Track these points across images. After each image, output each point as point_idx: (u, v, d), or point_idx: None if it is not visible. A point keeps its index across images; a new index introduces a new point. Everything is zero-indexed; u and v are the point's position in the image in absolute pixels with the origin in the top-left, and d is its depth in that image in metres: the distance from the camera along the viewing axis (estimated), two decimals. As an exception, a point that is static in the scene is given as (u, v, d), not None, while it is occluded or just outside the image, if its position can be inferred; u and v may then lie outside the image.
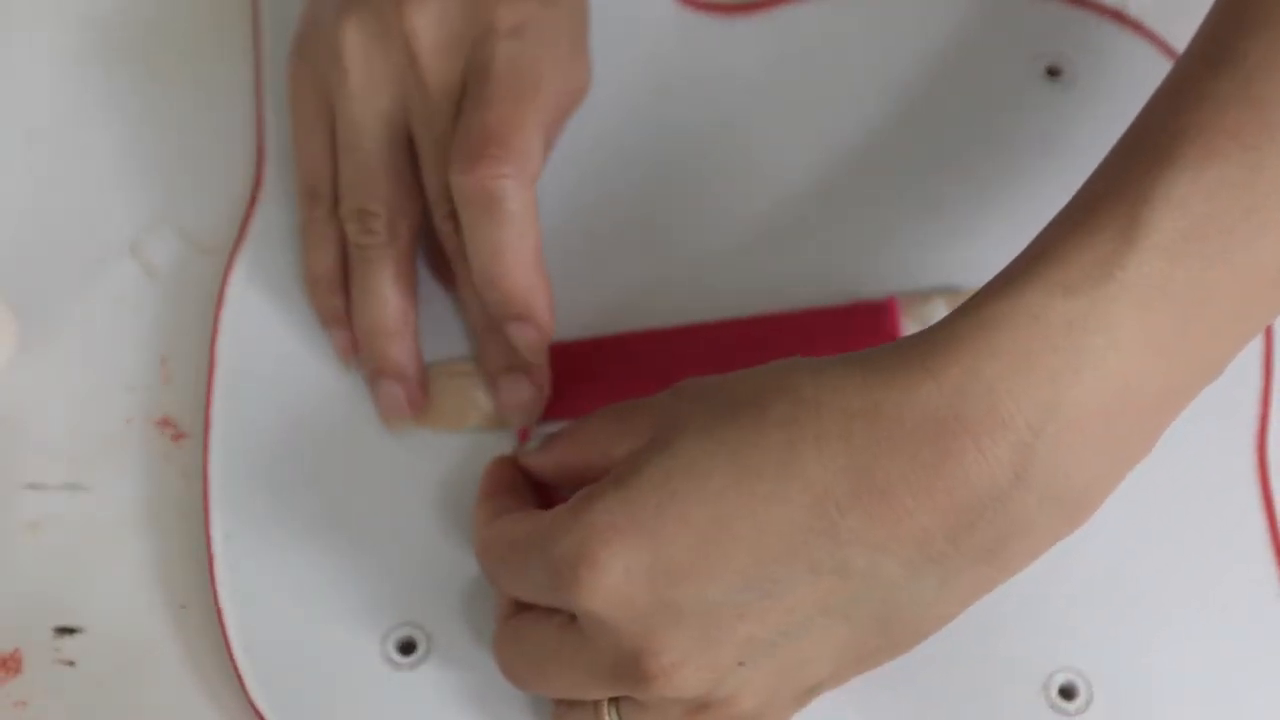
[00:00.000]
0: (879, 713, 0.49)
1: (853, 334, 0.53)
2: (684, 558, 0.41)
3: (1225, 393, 0.51)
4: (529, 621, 0.46)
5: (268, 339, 0.54)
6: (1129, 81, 0.57)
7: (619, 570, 0.41)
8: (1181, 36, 0.58)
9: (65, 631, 0.52)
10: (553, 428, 0.52)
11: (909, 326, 0.52)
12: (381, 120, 0.52)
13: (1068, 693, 0.49)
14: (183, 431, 0.54)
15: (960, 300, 0.51)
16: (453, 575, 0.51)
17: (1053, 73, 0.58)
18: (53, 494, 0.53)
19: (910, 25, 0.58)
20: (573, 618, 0.44)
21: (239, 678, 0.50)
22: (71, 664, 0.51)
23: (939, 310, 0.52)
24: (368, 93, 0.52)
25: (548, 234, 0.51)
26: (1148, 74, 0.58)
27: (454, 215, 0.51)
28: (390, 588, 0.51)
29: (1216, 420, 0.52)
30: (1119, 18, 0.58)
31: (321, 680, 0.50)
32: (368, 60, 0.51)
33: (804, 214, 0.56)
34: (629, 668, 0.42)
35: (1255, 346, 0.53)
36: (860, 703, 0.49)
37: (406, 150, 0.52)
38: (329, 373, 0.54)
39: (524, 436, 0.52)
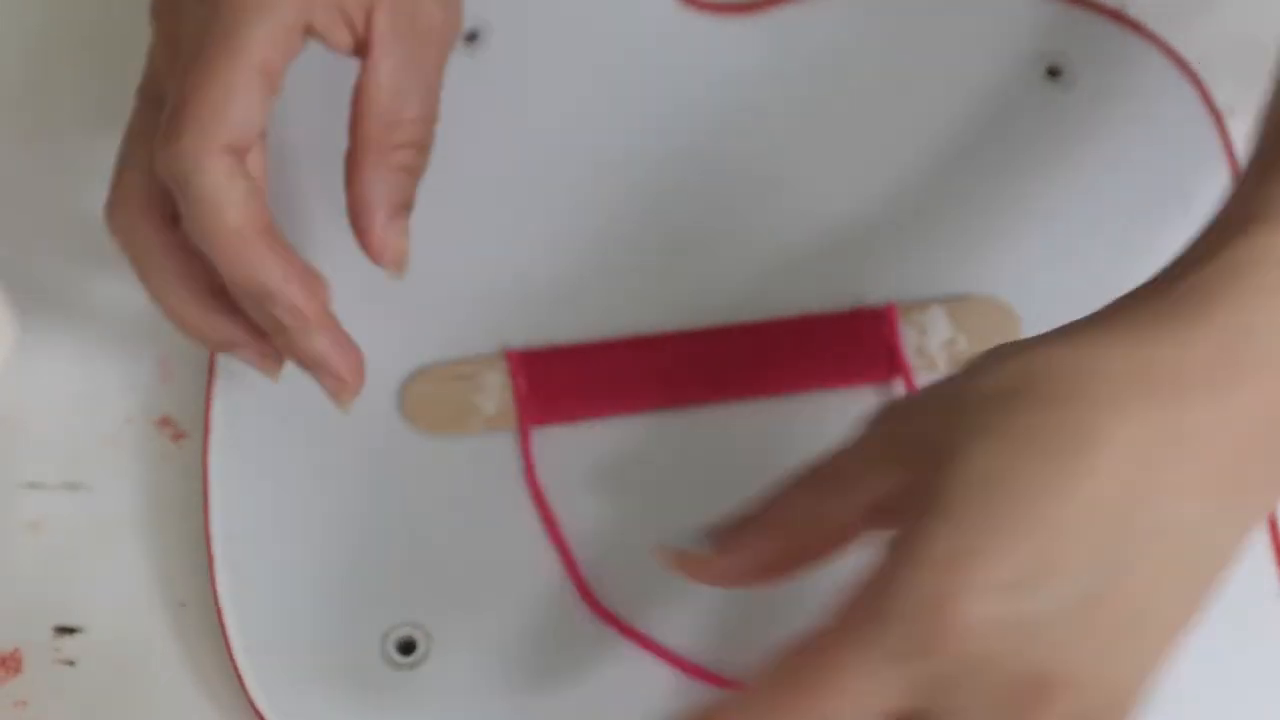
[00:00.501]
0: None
1: (851, 340, 0.53)
2: (1030, 564, 0.38)
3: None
4: None
5: (267, 339, 0.54)
6: (1130, 82, 0.57)
7: (984, 602, 0.37)
8: (1182, 37, 0.58)
9: (65, 631, 0.52)
10: (552, 430, 0.52)
11: (908, 334, 0.53)
12: (142, 106, 0.50)
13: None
14: (182, 431, 0.54)
15: (960, 308, 0.51)
16: (453, 574, 0.51)
17: (1053, 73, 0.58)
18: (52, 493, 0.53)
19: (910, 25, 0.58)
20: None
21: (239, 677, 0.50)
22: (71, 664, 0.51)
23: (938, 317, 0.53)
24: (144, 87, 0.50)
25: (550, 234, 0.50)
26: (1148, 75, 0.58)
27: None
28: (390, 587, 0.51)
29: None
30: (1119, 18, 0.58)
31: (321, 680, 0.50)
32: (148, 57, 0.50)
33: (803, 215, 0.56)
34: (1027, 697, 0.38)
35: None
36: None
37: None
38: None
39: (526, 435, 0.52)
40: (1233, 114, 0.57)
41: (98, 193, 0.58)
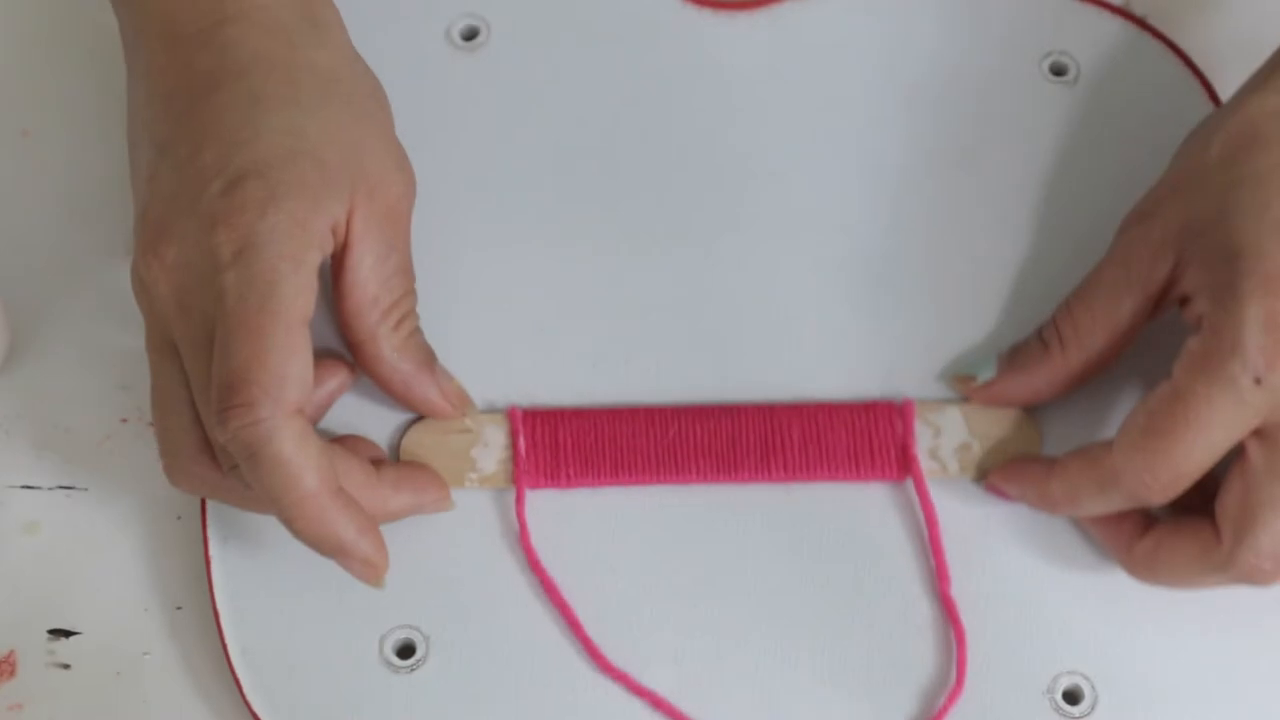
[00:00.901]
0: (883, 714, 0.49)
1: (864, 433, 0.52)
2: None
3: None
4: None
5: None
6: (1134, 79, 0.57)
7: None
8: (1188, 34, 0.58)
9: (60, 634, 0.51)
10: (543, 494, 0.51)
11: (923, 433, 0.52)
12: (173, 369, 0.49)
13: (1072, 696, 0.49)
14: (179, 432, 0.54)
15: (977, 412, 0.52)
16: (452, 577, 0.51)
17: (1058, 71, 0.57)
18: (47, 495, 0.53)
19: (914, 23, 0.58)
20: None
21: (235, 681, 0.50)
22: (67, 667, 0.51)
23: (955, 419, 0.52)
24: (153, 340, 0.49)
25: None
26: (1153, 71, 0.57)
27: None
28: (388, 590, 0.50)
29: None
30: (1124, 15, 0.58)
31: (319, 683, 0.50)
32: (145, 310, 0.49)
33: (804, 218, 0.55)
34: None
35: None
36: (865, 704, 0.49)
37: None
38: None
39: (521, 497, 0.51)
40: (1239, 111, 0.56)
41: (93, 193, 0.57)
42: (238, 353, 0.46)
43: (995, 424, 0.52)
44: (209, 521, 0.51)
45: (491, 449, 0.52)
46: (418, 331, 0.51)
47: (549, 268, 0.54)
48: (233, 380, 0.45)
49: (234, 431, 0.45)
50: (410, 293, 0.51)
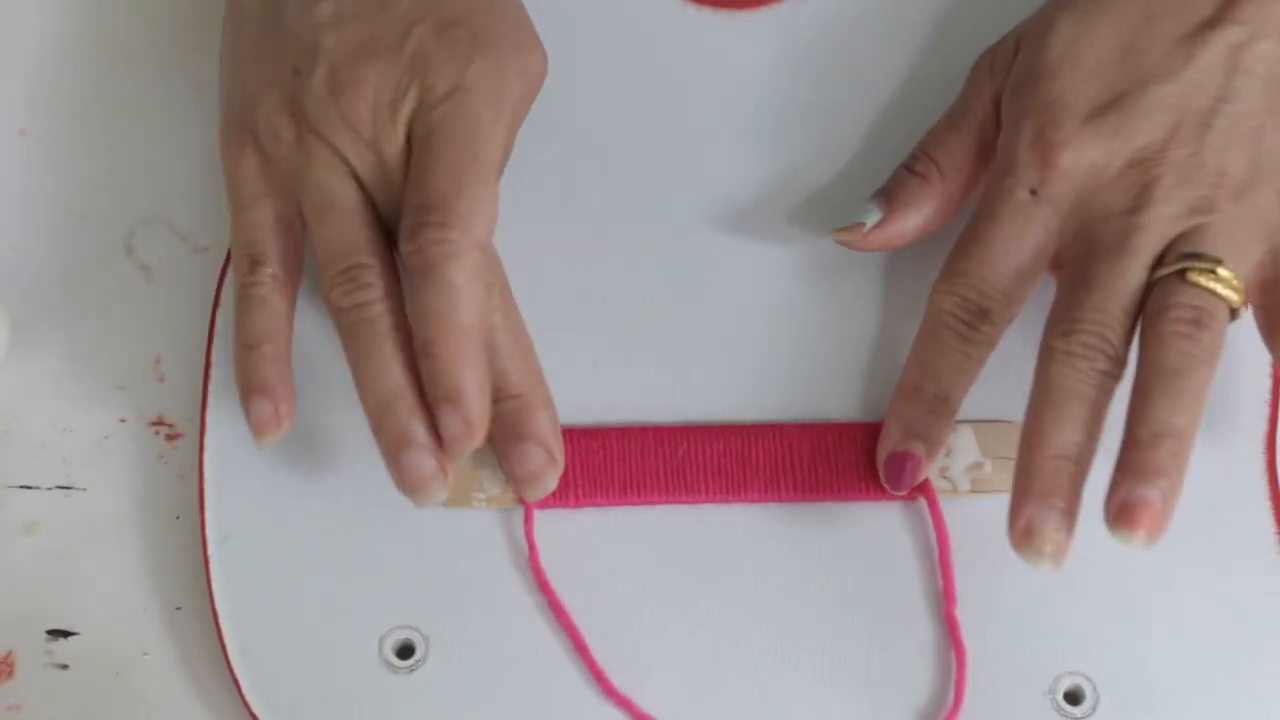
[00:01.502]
0: (886, 714, 0.49)
1: (874, 453, 0.52)
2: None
3: (1233, 397, 0.51)
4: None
5: (264, 339, 0.54)
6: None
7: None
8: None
9: (58, 634, 0.51)
10: (552, 514, 0.51)
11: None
12: (351, 191, 0.50)
13: (1073, 697, 0.49)
14: (178, 432, 0.54)
15: (989, 432, 0.52)
16: (451, 577, 0.51)
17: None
18: (45, 495, 0.53)
19: (913, 20, 0.58)
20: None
21: (235, 681, 0.50)
22: (65, 667, 0.51)
23: (966, 439, 0.52)
24: (332, 172, 0.50)
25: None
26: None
27: None
28: (388, 590, 0.51)
29: (1225, 424, 0.52)
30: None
31: (318, 684, 0.50)
32: (321, 150, 0.50)
33: (806, 222, 0.55)
34: None
35: (1263, 349, 0.53)
36: (866, 704, 0.49)
37: (378, 220, 0.51)
38: (325, 372, 0.53)
39: (529, 516, 0.51)
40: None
41: (92, 193, 0.57)
42: (438, 180, 0.48)
43: (1008, 445, 0.52)
44: (208, 521, 0.51)
45: (499, 470, 0.52)
46: None
47: (548, 275, 0.54)
48: (432, 201, 0.48)
49: (420, 244, 0.47)
50: None
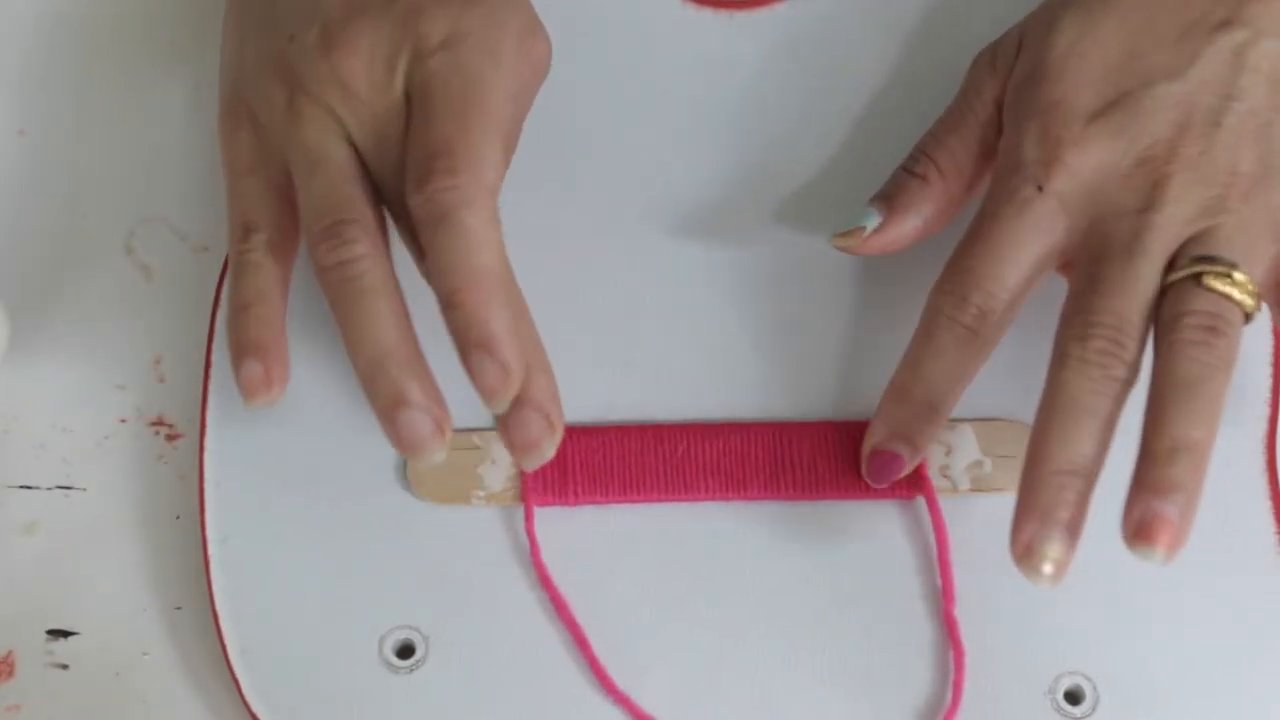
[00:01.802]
0: (885, 713, 0.49)
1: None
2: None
3: (1233, 397, 0.51)
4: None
5: (264, 339, 0.54)
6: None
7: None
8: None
9: (58, 634, 0.51)
10: (552, 511, 0.51)
11: (934, 451, 0.52)
12: (340, 149, 0.50)
13: (1073, 697, 0.49)
14: (177, 432, 0.54)
15: (990, 430, 0.52)
16: (451, 576, 0.51)
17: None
18: (45, 495, 0.53)
19: (912, 21, 0.58)
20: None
21: (235, 681, 0.50)
22: (65, 667, 0.51)
23: (967, 437, 0.52)
24: (321, 131, 0.50)
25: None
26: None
27: (419, 243, 0.48)
28: (387, 590, 0.51)
29: (1225, 423, 0.51)
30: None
31: (318, 684, 0.50)
32: (311, 110, 0.50)
33: (806, 223, 0.55)
34: None
35: (1263, 348, 0.53)
36: (865, 702, 0.49)
37: (367, 179, 0.50)
38: (325, 372, 0.53)
39: (529, 513, 0.51)
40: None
41: (92, 193, 0.57)
42: (443, 126, 0.48)
43: (1009, 443, 0.52)
44: (208, 521, 0.51)
45: (499, 466, 0.52)
46: None
47: (548, 274, 0.54)
48: (437, 149, 0.47)
49: (430, 193, 0.47)
50: None
